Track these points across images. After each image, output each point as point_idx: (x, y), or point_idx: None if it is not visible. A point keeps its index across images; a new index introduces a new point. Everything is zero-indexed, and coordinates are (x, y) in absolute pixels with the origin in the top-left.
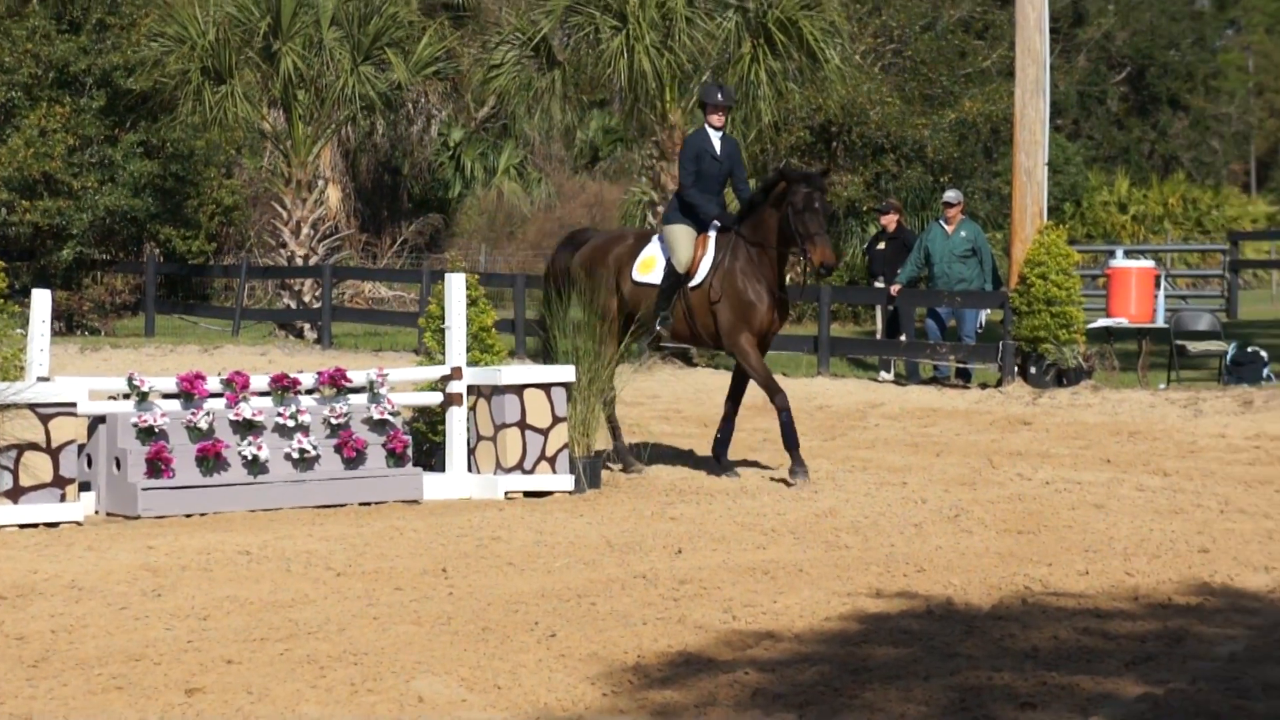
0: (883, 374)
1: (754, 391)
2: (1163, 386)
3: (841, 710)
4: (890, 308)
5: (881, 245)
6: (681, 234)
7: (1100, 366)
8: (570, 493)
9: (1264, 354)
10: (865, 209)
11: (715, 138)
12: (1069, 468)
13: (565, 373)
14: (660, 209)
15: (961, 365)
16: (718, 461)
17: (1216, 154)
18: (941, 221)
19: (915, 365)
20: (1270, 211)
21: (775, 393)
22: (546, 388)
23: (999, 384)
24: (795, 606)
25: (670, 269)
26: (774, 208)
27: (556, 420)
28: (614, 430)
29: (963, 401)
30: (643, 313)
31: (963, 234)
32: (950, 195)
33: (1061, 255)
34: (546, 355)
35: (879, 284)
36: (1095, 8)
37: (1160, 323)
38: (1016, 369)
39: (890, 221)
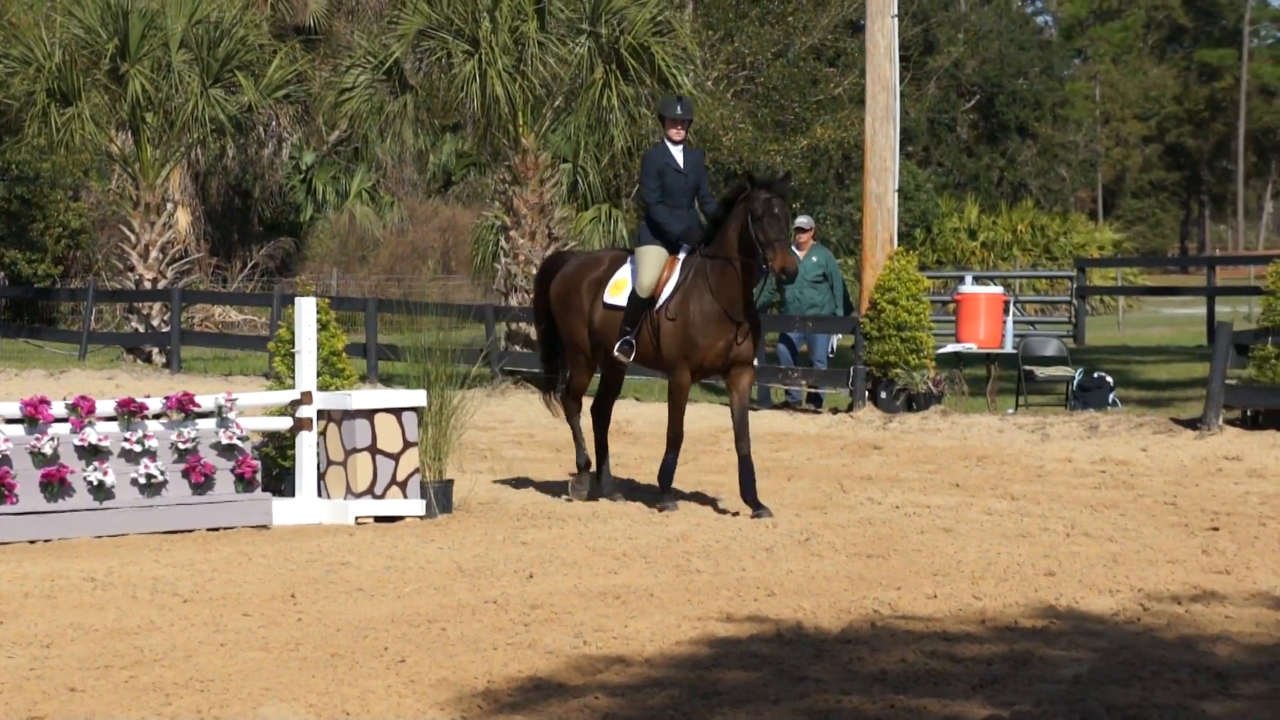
0: None
1: (702, 424)
2: (1011, 411)
3: None
4: None
5: None
6: (650, 256)
7: (950, 391)
8: (421, 517)
9: (1110, 379)
10: None
11: (677, 151)
12: (918, 492)
13: (416, 397)
14: (512, 234)
15: (813, 390)
16: (663, 491)
17: (1064, 181)
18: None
19: (767, 390)
20: (1117, 238)
21: (674, 439)
22: (398, 412)
23: (850, 409)
24: (646, 631)
25: (634, 291)
26: (735, 219)
27: (408, 445)
28: (601, 455)
29: (814, 426)
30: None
31: (814, 259)
32: (802, 221)
33: (912, 281)
34: (545, 389)
35: None
36: (945, 36)
37: (1009, 348)
38: (867, 394)
39: None
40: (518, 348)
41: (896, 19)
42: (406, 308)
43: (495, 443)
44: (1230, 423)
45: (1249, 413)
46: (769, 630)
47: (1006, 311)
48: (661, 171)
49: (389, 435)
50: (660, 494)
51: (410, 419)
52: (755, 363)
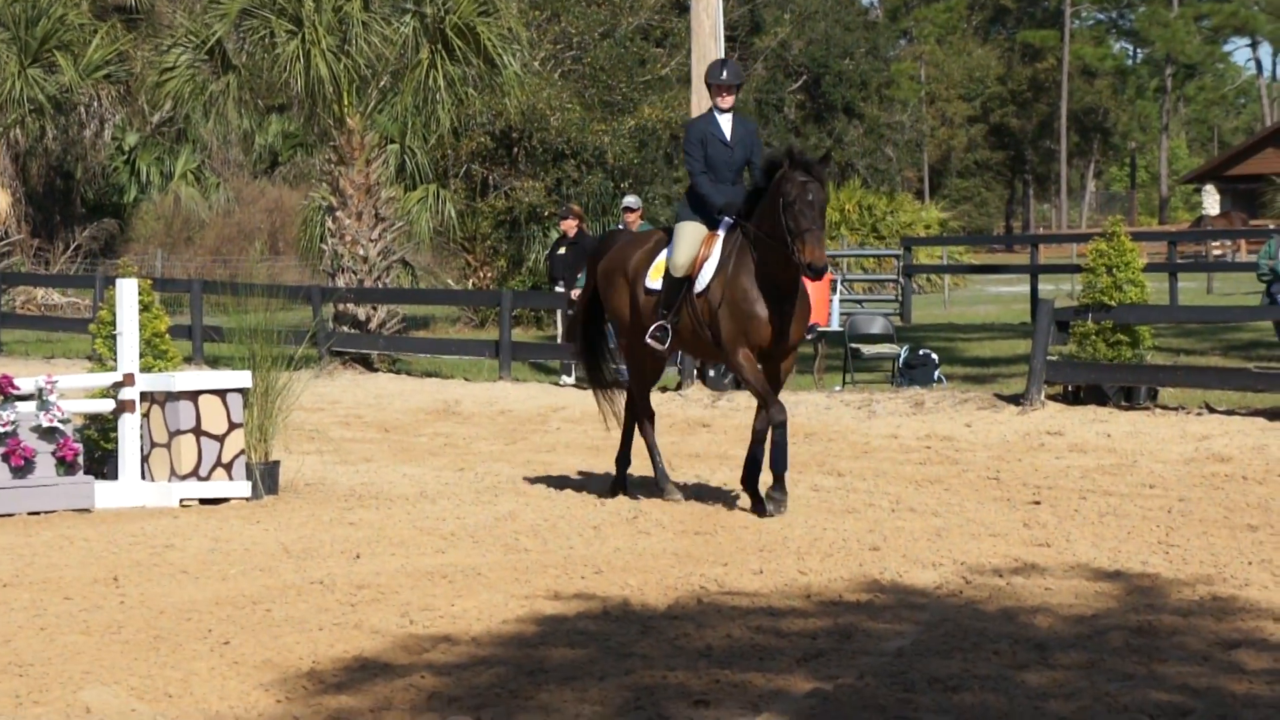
0: (564, 378)
1: (531, 404)
2: (838, 388)
3: (517, 712)
4: (571, 312)
5: (562, 250)
6: (687, 233)
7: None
8: (247, 499)
9: (935, 357)
10: (546, 214)
11: (724, 120)
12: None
13: (241, 379)
14: (339, 214)
15: None
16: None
17: (891, 161)
18: (621, 227)
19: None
20: (942, 217)
21: (772, 404)
22: (222, 394)
23: (679, 387)
24: (473, 610)
25: (668, 272)
26: (771, 197)
27: (233, 426)
28: (651, 450)
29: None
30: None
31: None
32: (629, 200)
33: None
34: (593, 383)
35: (560, 289)
36: (771, 17)
37: (836, 326)
38: (696, 372)
39: (570, 227)
40: (345, 328)
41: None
42: (232, 289)
43: (323, 424)
44: (1052, 398)
45: (1070, 388)
46: (596, 608)
47: (834, 290)
48: (705, 141)
49: (214, 417)
50: (773, 488)
51: (235, 400)
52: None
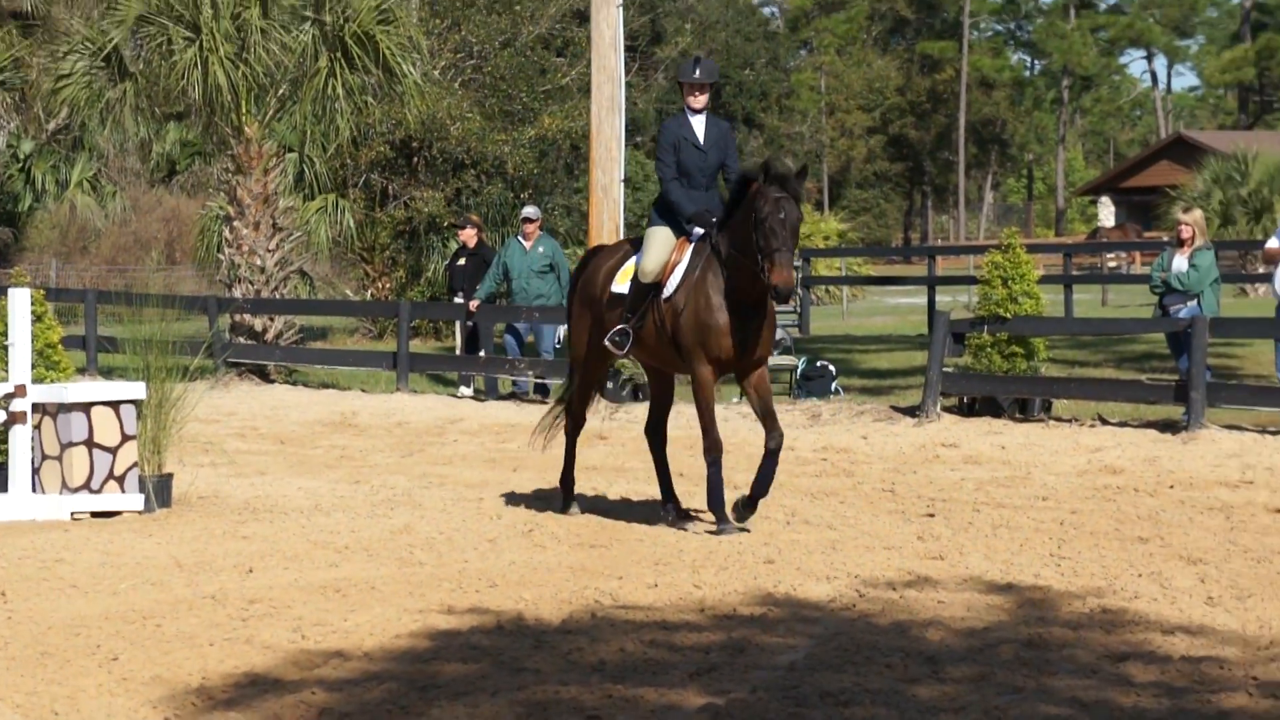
0: (462, 389)
1: (429, 415)
2: (735, 400)
3: None
4: (469, 323)
5: (461, 261)
6: (657, 238)
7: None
8: (140, 512)
9: (832, 369)
10: (445, 224)
11: (697, 122)
12: (643, 482)
13: (135, 390)
14: (236, 224)
15: (540, 380)
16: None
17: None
18: (520, 238)
19: (494, 381)
20: (841, 229)
21: (710, 447)
22: (115, 405)
23: None
24: (366, 624)
25: (635, 276)
26: (744, 211)
27: (126, 438)
28: (568, 461)
29: (540, 417)
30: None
31: (541, 250)
32: (529, 211)
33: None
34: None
35: (459, 299)
36: (672, 27)
37: None
38: None
39: (470, 237)
40: (241, 339)
41: (621, 9)
42: (127, 299)
43: (218, 436)
44: (948, 410)
45: (965, 400)
46: (489, 622)
47: None
48: (677, 145)
49: (106, 429)
50: (716, 521)
51: (129, 412)
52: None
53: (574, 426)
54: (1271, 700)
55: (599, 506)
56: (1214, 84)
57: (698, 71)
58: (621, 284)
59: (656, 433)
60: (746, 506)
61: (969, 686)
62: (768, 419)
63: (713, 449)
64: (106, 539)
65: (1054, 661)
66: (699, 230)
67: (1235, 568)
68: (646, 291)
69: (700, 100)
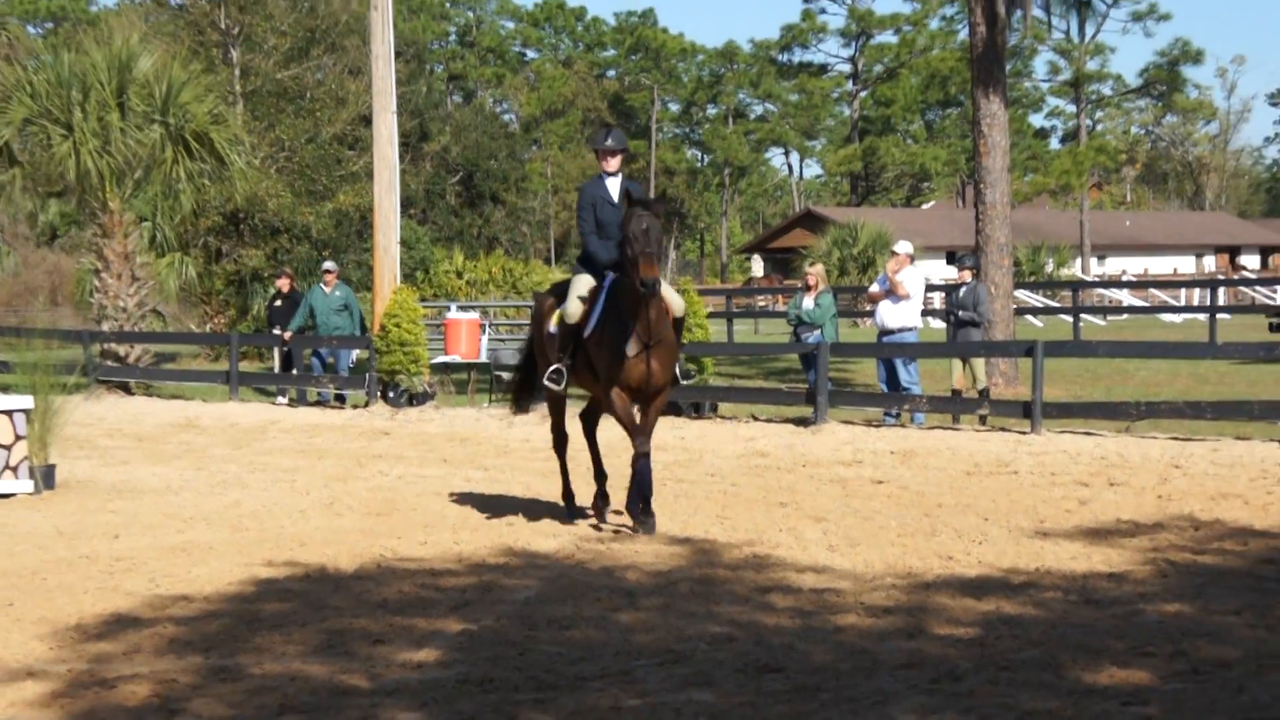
0: (279, 399)
1: (252, 418)
2: (485, 405)
3: (238, 652)
4: (285, 349)
5: (278, 302)
6: (577, 285)
7: (440, 391)
8: (30, 494)
9: None
10: (266, 275)
11: (612, 184)
12: (416, 466)
13: (25, 401)
14: (104, 275)
15: (339, 392)
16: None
17: (526, 236)
18: (322, 285)
19: (304, 392)
20: (563, 277)
21: (635, 436)
22: (9, 413)
23: (366, 405)
24: (206, 575)
25: (562, 319)
26: (624, 232)
27: (18, 438)
28: (564, 476)
29: (339, 419)
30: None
31: (338, 294)
32: (328, 265)
33: (411, 310)
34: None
35: (276, 331)
36: (436, 128)
37: (484, 358)
38: (379, 394)
39: (284, 284)
40: (109, 362)
41: (395, 114)
42: (18, 332)
43: (91, 436)
44: None
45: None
46: (300, 572)
47: (483, 331)
48: (595, 204)
49: (3, 431)
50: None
51: (20, 418)
52: (668, 387)
53: (560, 444)
54: (873, 619)
55: (383, 485)
56: (833, 173)
57: (609, 140)
58: (553, 325)
59: (590, 432)
60: (646, 513)
61: (657, 613)
62: (642, 434)
63: (643, 445)
64: (3, 514)
65: (719, 594)
66: (612, 275)
67: (849, 524)
68: (571, 332)
69: (613, 164)
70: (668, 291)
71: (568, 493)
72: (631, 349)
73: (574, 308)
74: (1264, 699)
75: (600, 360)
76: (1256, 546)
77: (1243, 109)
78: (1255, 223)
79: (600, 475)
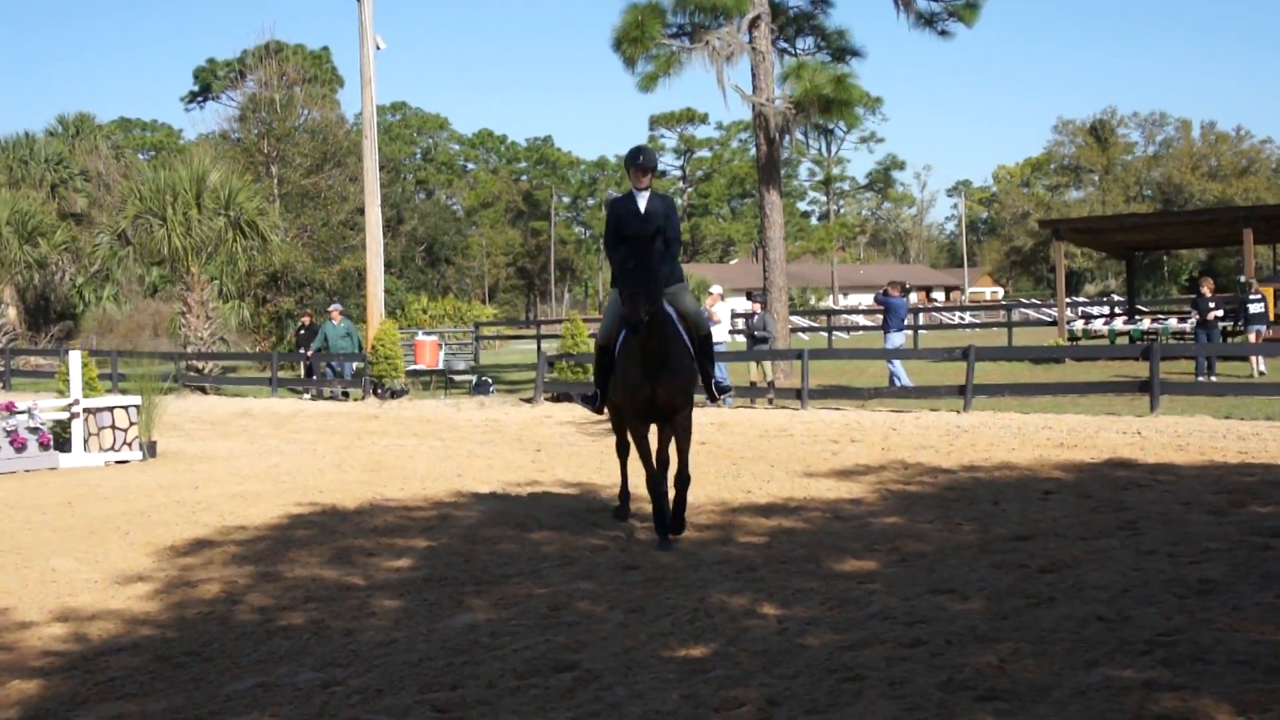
0: (305, 396)
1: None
2: (443, 397)
3: (277, 562)
4: (308, 363)
5: (303, 332)
6: (610, 308)
7: (412, 389)
8: (140, 460)
9: (490, 380)
10: (294, 314)
11: (641, 198)
12: (395, 438)
13: (135, 399)
14: (188, 316)
15: (345, 390)
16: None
17: (469, 285)
18: (331, 319)
19: (322, 391)
20: (495, 312)
21: (649, 467)
22: (126, 407)
23: (363, 399)
24: (256, 513)
25: (597, 342)
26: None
27: (132, 423)
28: (623, 480)
29: (345, 409)
30: None
31: (343, 325)
32: (335, 306)
33: (392, 335)
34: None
35: (301, 351)
36: (408, 215)
37: (441, 366)
38: (372, 391)
39: (306, 319)
40: (191, 373)
41: (380, 207)
42: (132, 354)
43: (179, 422)
44: (548, 399)
45: (555, 395)
46: (319, 510)
47: (440, 349)
48: (620, 217)
49: (121, 419)
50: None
51: (133, 410)
52: (684, 408)
53: (621, 451)
54: (699, 533)
55: (374, 451)
56: None
57: (641, 158)
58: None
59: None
60: (675, 529)
61: (556, 532)
62: (666, 463)
63: (681, 478)
64: (122, 475)
65: (598, 519)
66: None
67: None
68: (604, 355)
69: (644, 180)
70: (691, 308)
71: (624, 492)
72: (635, 374)
73: (604, 329)
74: (948, 575)
75: (616, 384)
76: (943, 480)
77: (931, 198)
78: (941, 270)
79: (624, 494)
